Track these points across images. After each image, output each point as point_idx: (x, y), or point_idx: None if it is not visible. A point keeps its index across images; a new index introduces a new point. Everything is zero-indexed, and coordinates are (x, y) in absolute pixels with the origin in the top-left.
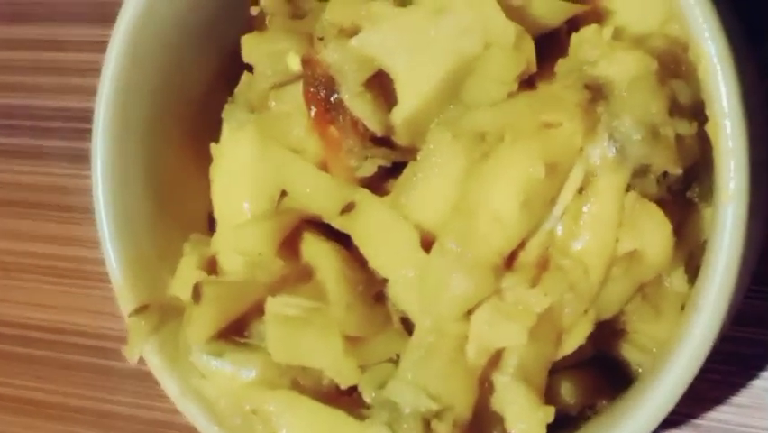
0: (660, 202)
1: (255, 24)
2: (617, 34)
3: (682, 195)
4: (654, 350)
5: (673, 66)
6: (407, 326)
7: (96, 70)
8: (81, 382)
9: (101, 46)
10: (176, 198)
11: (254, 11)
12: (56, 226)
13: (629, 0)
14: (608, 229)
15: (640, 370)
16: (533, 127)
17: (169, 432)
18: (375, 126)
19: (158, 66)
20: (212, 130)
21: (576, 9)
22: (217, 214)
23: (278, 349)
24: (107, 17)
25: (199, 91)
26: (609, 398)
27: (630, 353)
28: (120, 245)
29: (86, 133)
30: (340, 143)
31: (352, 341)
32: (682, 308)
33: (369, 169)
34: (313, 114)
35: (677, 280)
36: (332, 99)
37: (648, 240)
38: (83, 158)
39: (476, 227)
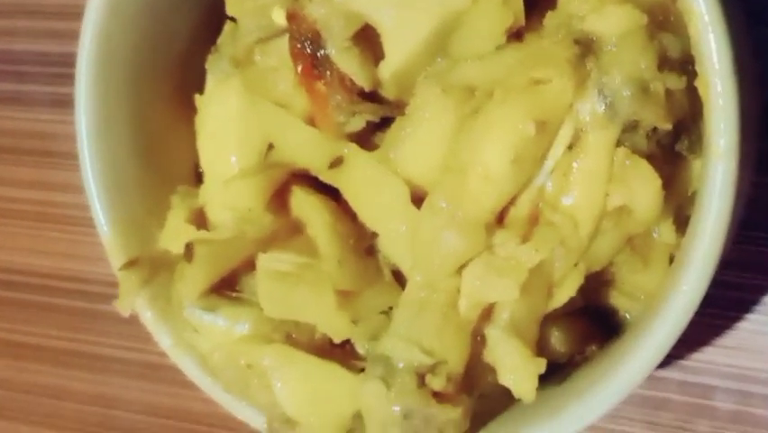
0: (649, 157)
1: None
2: None
3: (671, 148)
4: (642, 297)
5: (662, 17)
6: (398, 278)
7: (74, 14)
8: (70, 325)
9: None
10: (162, 150)
11: None
12: (38, 172)
13: None
14: (597, 184)
15: (628, 316)
16: (522, 84)
17: (159, 373)
18: (362, 81)
19: (139, 17)
20: (196, 80)
21: None
22: (204, 166)
23: (271, 305)
24: None
25: (182, 40)
26: (599, 344)
27: (618, 300)
28: (108, 201)
29: (65, 78)
30: (327, 99)
31: (344, 295)
32: (671, 259)
33: (357, 124)
34: (299, 70)
35: (665, 231)
36: (318, 55)
37: (638, 195)
38: (63, 103)
39: (466, 185)
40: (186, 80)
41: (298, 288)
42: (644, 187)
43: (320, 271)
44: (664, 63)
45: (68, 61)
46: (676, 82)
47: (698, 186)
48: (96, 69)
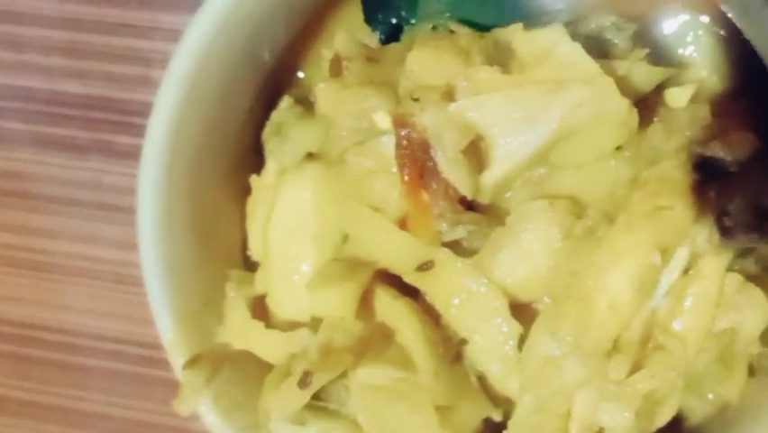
0: (756, 278)
1: (331, 69)
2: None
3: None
4: (711, 399)
5: None
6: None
7: (59, 48)
8: (49, 379)
9: (63, 23)
10: (214, 234)
11: (327, 54)
12: (16, 215)
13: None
14: (708, 308)
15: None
16: (646, 210)
17: (143, 430)
18: (467, 191)
19: (208, 103)
20: (246, 156)
21: (668, 72)
22: (264, 253)
23: (372, 423)
24: None
25: (240, 118)
26: None
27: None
28: (170, 299)
29: (47, 117)
30: (429, 207)
31: (442, 411)
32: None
33: (459, 233)
34: (406, 179)
35: (753, 342)
36: (427, 165)
37: (746, 319)
38: (44, 143)
39: (592, 315)
40: (239, 158)
41: (398, 405)
42: (754, 312)
43: (417, 386)
44: None
45: (50, 99)
46: None
47: None
48: (164, 160)
